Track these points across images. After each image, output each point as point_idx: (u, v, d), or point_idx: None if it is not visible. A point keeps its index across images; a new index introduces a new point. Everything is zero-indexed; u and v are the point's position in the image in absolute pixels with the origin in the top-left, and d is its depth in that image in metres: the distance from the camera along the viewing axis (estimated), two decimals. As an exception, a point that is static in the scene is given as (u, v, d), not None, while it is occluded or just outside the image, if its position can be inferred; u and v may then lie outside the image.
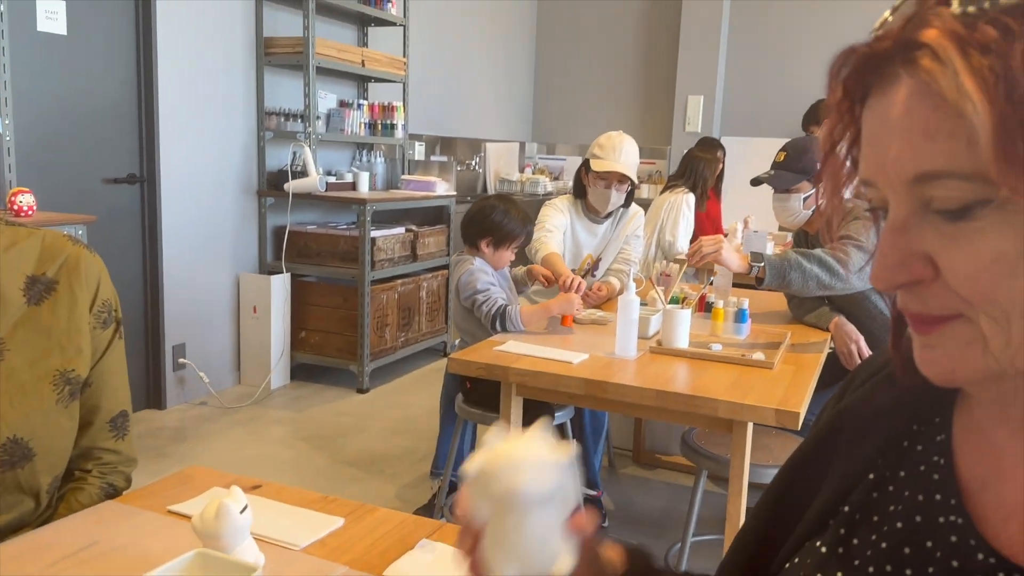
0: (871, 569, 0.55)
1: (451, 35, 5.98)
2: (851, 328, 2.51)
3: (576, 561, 0.59)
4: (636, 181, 3.06)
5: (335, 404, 4.14)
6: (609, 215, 3.15)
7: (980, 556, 0.50)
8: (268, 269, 4.35)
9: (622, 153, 2.96)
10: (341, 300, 4.36)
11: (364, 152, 4.97)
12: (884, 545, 0.55)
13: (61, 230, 1.28)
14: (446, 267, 5.01)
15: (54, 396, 1.11)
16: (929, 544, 0.53)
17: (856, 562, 0.56)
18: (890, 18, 0.48)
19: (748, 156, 5.51)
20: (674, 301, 2.59)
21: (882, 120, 0.47)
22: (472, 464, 0.57)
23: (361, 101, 4.74)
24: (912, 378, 0.56)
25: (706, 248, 2.42)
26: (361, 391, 4.32)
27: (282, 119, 4.27)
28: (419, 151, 5.50)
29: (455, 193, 5.08)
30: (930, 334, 0.48)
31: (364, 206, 4.19)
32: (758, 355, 2.18)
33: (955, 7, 0.43)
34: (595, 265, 3.14)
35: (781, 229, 4.07)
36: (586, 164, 3.04)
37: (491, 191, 6.36)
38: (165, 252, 3.84)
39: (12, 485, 1.08)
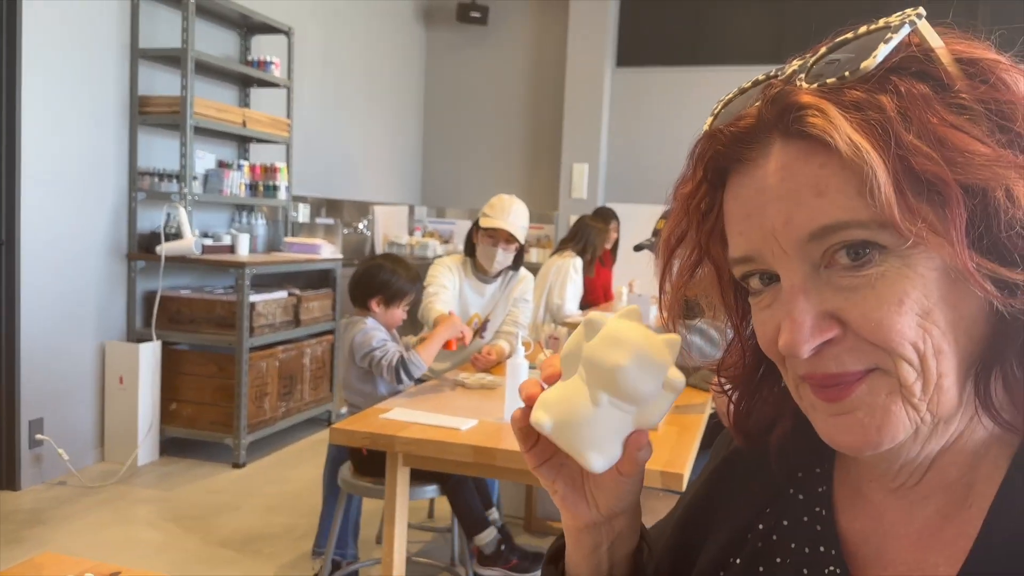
0: None
1: (338, 97, 5.95)
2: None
3: (611, 466, 0.54)
4: (524, 243, 3.12)
5: (208, 481, 3.89)
6: (498, 276, 3.19)
7: None
8: (136, 337, 4.09)
9: (511, 214, 3.04)
10: (216, 369, 4.14)
11: (244, 214, 4.81)
12: None
13: None
14: (331, 332, 4.87)
15: None
16: None
17: None
18: (724, 108, 0.52)
19: (631, 222, 5.69)
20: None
21: (758, 192, 0.48)
22: (600, 318, 0.53)
23: (242, 162, 4.62)
24: (753, 443, 0.60)
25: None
26: (237, 466, 4.08)
27: (156, 179, 4.09)
28: (303, 213, 5.38)
29: (341, 256, 4.98)
30: (846, 398, 0.48)
31: (243, 269, 4.03)
32: (645, 417, 2.19)
33: (807, 85, 0.47)
34: (483, 326, 3.15)
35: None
36: (476, 223, 3.12)
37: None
38: (23, 319, 3.55)
39: None
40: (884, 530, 0.53)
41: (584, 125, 6.61)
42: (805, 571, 0.55)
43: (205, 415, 4.16)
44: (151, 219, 4.17)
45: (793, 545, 0.57)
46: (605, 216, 5.39)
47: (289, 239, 4.86)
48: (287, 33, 4.85)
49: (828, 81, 0.46)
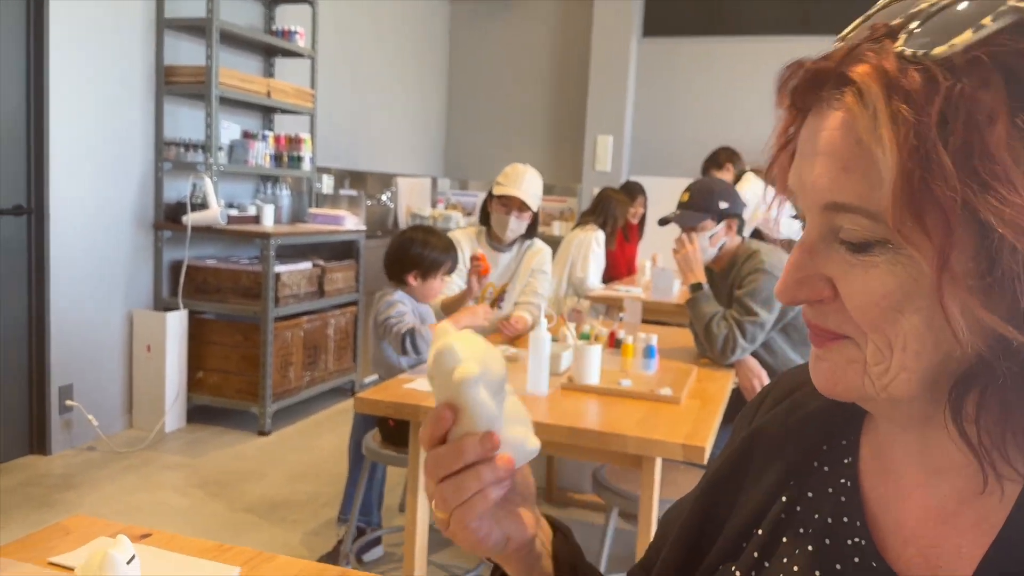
0: None
1: (362, 69, 5.94)
2: (754, 363, 2.59)
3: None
4: (536, 211, 3.16)
5: (234, 448, 3.96)
6: (512, 245, 3.21)
7: None
8: (164, 306, 4.15)
9: (524, 181, 3.07)
10: (242, 338, 4.20)
11: (269, 185, 4.84)
12: (796, 568, 0.56)
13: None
14: (355, 303, 4.90)
15: None
16: (838, 567, 0.54)
17: None
18: (849, 37, 0.49)
19: (655, 194, 5.65)
20: (584, 337, 2.61)
21: (811, 141, 0.49)
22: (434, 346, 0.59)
23: (266, 132, 4.63)
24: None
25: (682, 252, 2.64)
26: (262, 434, 4.15)
27: (182, 150, 4.11)
28: (327, 184, 5.40)
29: (365, 228, 5.00)
30: (822, 348, 0.52)
31: (268, 240, 4.07)
32: (666, 390, 2.19)
33: (900, 44, 0.45)
34: (499, 296, 3.16)
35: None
36: (491, 192, 3.15)
37: (403, 226, 6.31)
38: (52, 288, 3.62)
39: None
40: (903, 497, 0.54)
41: (609, 96, 6.55)
42: (827, 541, 0.55)
43: (231, 383, 4.22)
44: (177, 189, 4.20)
45: (817, 516, 0.57)
46: (632, 191, 5.35)
47: (313, 210, 4.89)
48: (311, 2, 4.84)
49: (907, 52, 0.43)
